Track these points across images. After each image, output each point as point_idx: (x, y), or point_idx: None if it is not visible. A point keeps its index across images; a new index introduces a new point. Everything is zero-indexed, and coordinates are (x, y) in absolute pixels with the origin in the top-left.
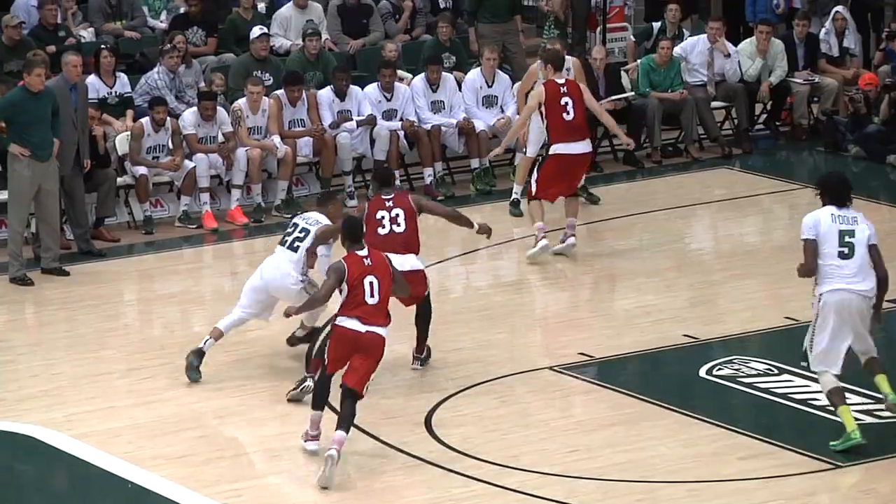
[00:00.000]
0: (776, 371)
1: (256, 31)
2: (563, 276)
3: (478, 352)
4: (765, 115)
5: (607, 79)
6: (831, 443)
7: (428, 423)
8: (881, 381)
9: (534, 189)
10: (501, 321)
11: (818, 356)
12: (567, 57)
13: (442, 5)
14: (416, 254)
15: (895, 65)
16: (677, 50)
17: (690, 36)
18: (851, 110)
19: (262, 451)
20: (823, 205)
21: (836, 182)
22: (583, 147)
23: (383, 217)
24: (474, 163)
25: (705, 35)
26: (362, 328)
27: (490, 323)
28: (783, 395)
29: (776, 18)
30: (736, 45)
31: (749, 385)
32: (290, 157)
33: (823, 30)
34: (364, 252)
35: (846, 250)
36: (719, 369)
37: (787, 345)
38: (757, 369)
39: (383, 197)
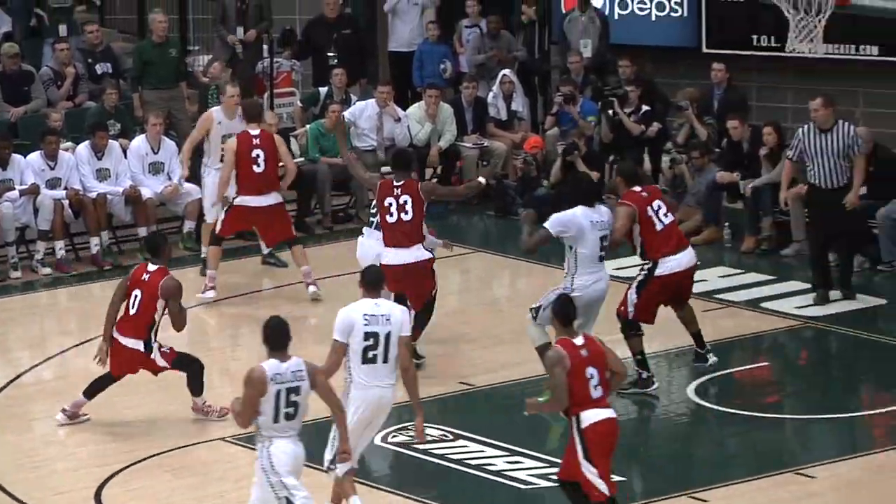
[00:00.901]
0: (451, 437)
1: None
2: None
3: (150, 423)
4: (435, 180)
5: None
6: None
7: (98, 499)
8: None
9: (219, 228)
10: (177, 391)
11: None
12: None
13: (100, 71)
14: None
15: (566, 128)
16: (346, 115)
17: (358, 100)
18: (520, 174)
19: None
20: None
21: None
22: (273, 199)
23: (391, 204)
24: (142, 231)
25: (374, 99)
26: None
27: (166, 395)
28: (458, 461)
29: (444, 82)
30: (405, 109)
31: (424, 451)
32: None
33: (491, 93)
34: None
35: None
36: (394, 436)
37: (462, 409)
38: (432, 435)
39: (394, 183)
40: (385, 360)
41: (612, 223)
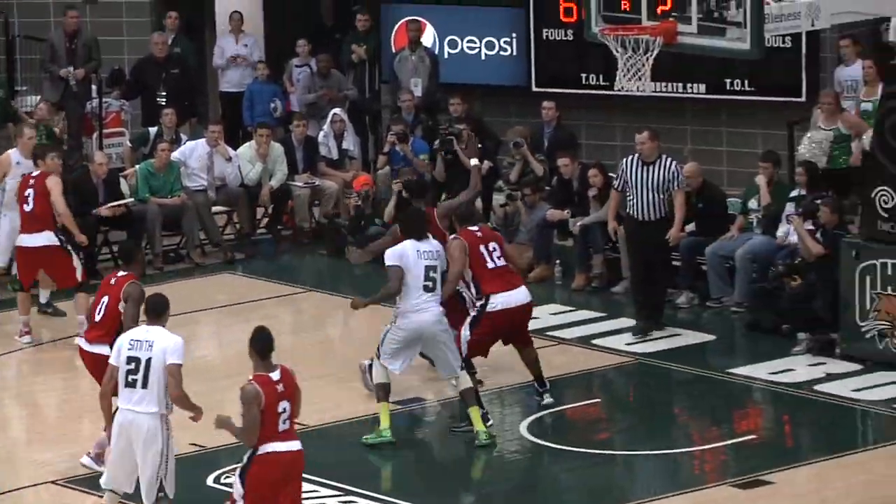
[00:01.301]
0: None
1: None
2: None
3: None
4: (266, 220)
5: (107, 185)
6: (364, 437)
7: None
8: (474, 414)
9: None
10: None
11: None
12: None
13: None
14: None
15: (398, 167)
16: (176, 155)
17: (189, 140)
18: (352, 213)
19: None
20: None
21: None
22: (44, 239)
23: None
24: None
25: (204, 139)
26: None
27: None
28: None
29: (275, 121)
30: (236, 148)
31: None
32: None
33: (322, 133)
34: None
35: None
36: (227, 477)
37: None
38: None
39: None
40: (144, 386)
41: (444, 256)
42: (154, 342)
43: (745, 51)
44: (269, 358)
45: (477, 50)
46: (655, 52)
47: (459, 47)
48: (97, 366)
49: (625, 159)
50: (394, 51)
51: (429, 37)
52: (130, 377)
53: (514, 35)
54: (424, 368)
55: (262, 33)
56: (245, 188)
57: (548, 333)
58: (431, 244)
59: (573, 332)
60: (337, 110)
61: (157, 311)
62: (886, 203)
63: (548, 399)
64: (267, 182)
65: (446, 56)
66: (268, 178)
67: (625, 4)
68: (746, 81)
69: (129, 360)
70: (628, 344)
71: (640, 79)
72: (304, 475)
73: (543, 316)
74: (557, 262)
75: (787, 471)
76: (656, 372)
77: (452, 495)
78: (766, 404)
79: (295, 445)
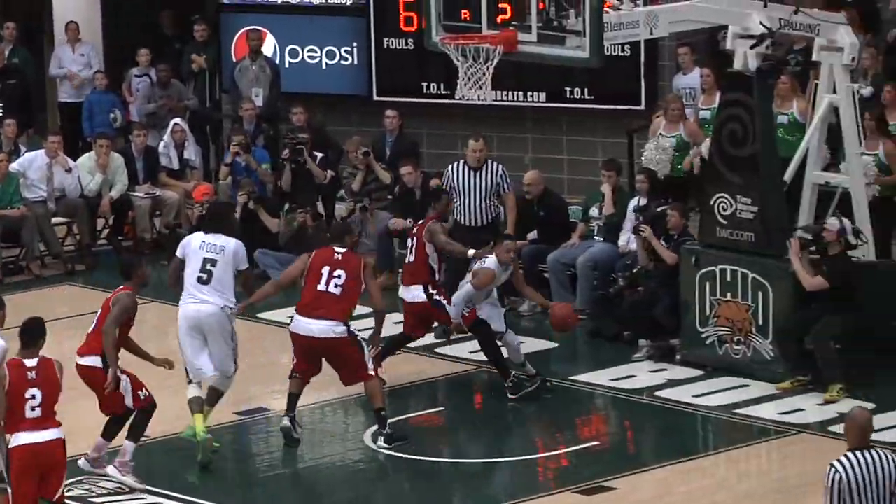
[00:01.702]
0: (126, 489)
1: None
2: None
3: None
4: (107, 230)
5: None
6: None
7: None
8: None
9: None
10: None
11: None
12: None
13: None
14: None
15: (241, 177)
16: (14, 165)
17: (28, 151)
18: (193, 223)
19: None
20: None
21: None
22: None
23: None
24: None
25: (44, 150)
26: None
27: None
28: None
29: (114, 132)
30: (75, 159)
31: None
32: None
33: (162, 143)
34: None
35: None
36: (69, 489)
37: (137, 461)
38: (107, 488)
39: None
40: None
41: (231, 256)
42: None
43: (585, 59)
44: (31, 347)
45: (318, 59)
46: (496, 60)
47: (300, 56)
48: (91, 378)
49: (450, 166)
50: (234, 60)
51: (269, 46)
52: None
53: (354, 44)
54: (273, 380)
55: (100, 42)
56: (85, 199)
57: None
58: (220, 239)
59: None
60: (177, 120)
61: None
62: (725, 210)
63: (380, 442)
64: (107, 193)
65: (287, 65)
66: (108, 188)
67: (465, 14)
68: (586, 90)
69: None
70: (471, 352)
71: (480, 87)
72: (146, 486)
73: (386, 325)
74: (400, 270)
75: (629, 476)
76: (500, 380)
77: None
78: (608, 411)
79: (48, 435)
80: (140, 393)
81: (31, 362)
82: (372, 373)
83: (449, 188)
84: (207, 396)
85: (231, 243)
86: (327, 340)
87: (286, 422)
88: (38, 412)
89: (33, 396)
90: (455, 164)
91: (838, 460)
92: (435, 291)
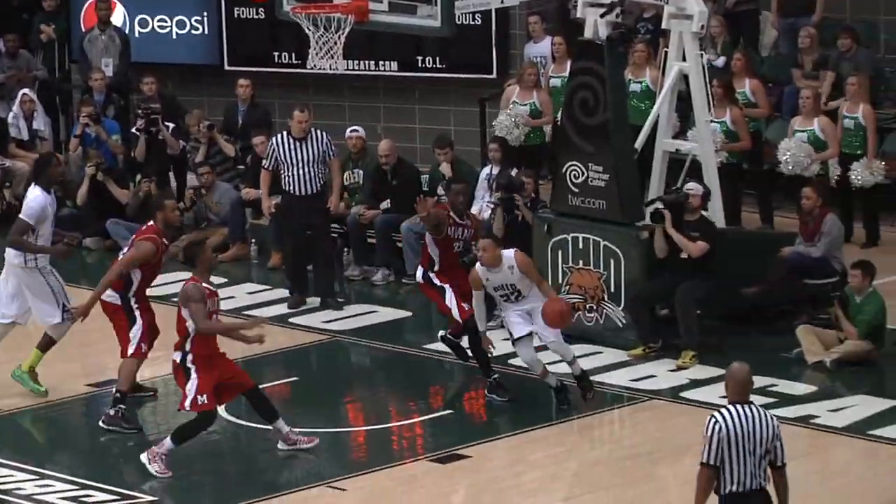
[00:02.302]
0: None
1: None
2: None
3: None
4: None
5: None
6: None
7: None
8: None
9: None
10: None
11: None
12: None
13: None
14: None
15: (92, 148)
16: None
17: None
18: None
19: None
20: None
21: None
22: None
23: None
24: None
25: None
26: None
27: None
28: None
29: None
30: None
31: None
32: None
33: (12, 113)
34: None
35: None
36: None
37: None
38: None
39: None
40: None
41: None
42: None
43: (436, 28)
44: None
45: (168, 29)
46: (347, 30)
47: (150, 26)
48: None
49: (274, 138)
50: (83, 30)
51: (119, 16)
52: None
53: (205, 14)
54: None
55: None
56: None
57: (245, 312)
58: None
59: (270, 311)
60: (26, 90)
61: None
62: (577, 178)
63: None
64: None
65: (137, 35)
66: None
67: None
68: (438, 59)
69: None
70: (325, 322)
71: (332, 57)
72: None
73: (240, 295)
74: (253, 241)
75: (482, 445)
76: (354, 348)
77: (150, 479)
78: (461, 380)
79: None
80: (200, 397)
81: None
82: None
83: (275, 160)
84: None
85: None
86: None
87: None
88: None
89: None
90: (278, 136)
91: (719, 411)
92: (436, 277)
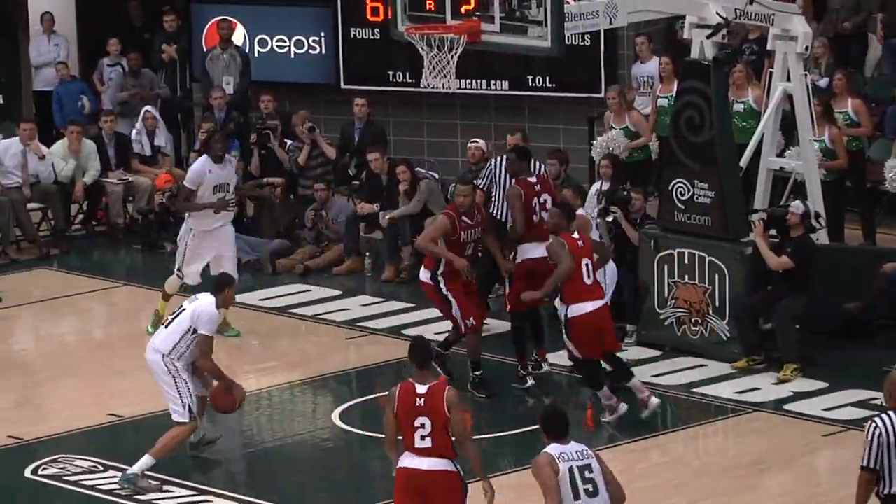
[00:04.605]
0: (101, 468)
1: None
2: None
3: None
4: (81, 216)
5: None
6: None
7: None
8: None
9: None
10: None
11: None
12: None
13: None
14: None
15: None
16: None
17: (3, 139)
18: (157, 210)
19: None
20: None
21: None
22: None
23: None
24: None
25: (18, 137)
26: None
27: None
28: (109, 492)
29: (85, 119)
30: (49, 146)
31: (75, 483)
32: None
33: (135, 130)
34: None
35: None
36: (45, 468)
37: (111, 440)
38: (82, 467)
39: None
40: None
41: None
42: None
43: (546, 48)
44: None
45: (286, 48)
46: (460, 50)
47: (269, 46)
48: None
49: (492, 160)
50: (205, 49)
51: (239, 36)
52: None
53: (322, 34)
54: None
55: (74, 34)
56: (59, 185)
57: (359, 324)
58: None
59: (383, 323)
60: (149, 108)
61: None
62: (683, 195)
63: None
64: (80, 178)
65: (257, 55)
66: (81, 174)
67: (430, 4)
68: (547, 78)
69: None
70: (438, 333)
71: (445, 76)
72: (121, 465)
73: (354, 307)
74: (367, 254)
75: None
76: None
77: (269, 483)
78: (569, 394)
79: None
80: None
81: (421, 388)
82: None
83: (489, 181)
84: None
85: None
86: None
87: None
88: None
89: (422, 425)
90: (496, 159)
91: (879, 416)
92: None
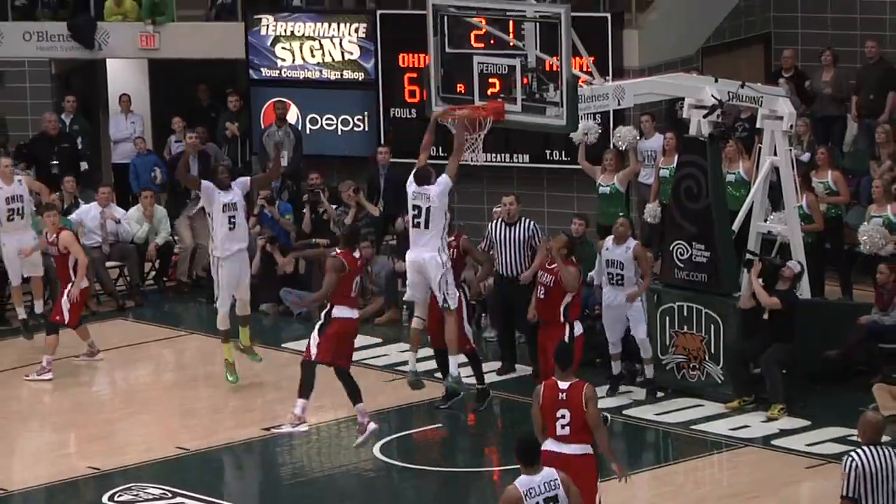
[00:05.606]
0: (170, 494)
1: None
2: None
3: None
4: (153, 273)
5: None
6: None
7: None
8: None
9: None
10: None
11: None
12: None
13: None
14: None
15: (267, 226)
16: (73, 216)
17: (84, 204)
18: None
19: None
20: None
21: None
22: None
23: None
24: None
25: (96, 202)
26: None
27: None
28: None
29: (157, 188)
30: (126, 210)
31: None
32: None
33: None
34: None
35: None
36: (120, 496)
37: (179, 471)
38: (153, 494)
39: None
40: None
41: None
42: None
43: (563, 126)
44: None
45: (334, 126)
46: (487, 128)
47: (319, 124)
48: None
49: (491, 223)
50: (263, 127)
51: (293, 115)
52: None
53: (365, 113)
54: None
55: (148, 112)
56: (134, 245)
57: (397, 368)
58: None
59: (420, 367)
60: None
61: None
62: (682, 255)
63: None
64: (153, 240)
65: (308, 132)
66: (154, 236)
67: (460, 87)
68: (564, 152)
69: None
70: (467, 377)
71: (474, 151)
72: (188, 492)
73: (392, 353)
74: (405, 306)
75: (601, 484)
76: (503, 402)
77: None
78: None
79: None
80: None
81: (563, 385)
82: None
83: (489, 242)
84: None
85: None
86: None
87: None
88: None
89: (563, 416)
90: (494, 221)
91: (854, 451)
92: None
